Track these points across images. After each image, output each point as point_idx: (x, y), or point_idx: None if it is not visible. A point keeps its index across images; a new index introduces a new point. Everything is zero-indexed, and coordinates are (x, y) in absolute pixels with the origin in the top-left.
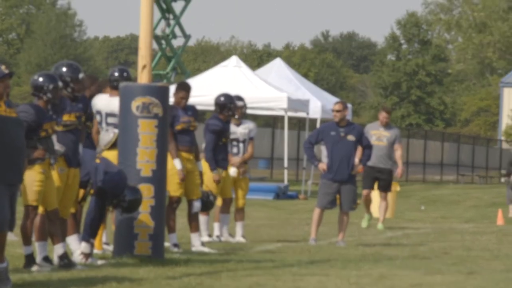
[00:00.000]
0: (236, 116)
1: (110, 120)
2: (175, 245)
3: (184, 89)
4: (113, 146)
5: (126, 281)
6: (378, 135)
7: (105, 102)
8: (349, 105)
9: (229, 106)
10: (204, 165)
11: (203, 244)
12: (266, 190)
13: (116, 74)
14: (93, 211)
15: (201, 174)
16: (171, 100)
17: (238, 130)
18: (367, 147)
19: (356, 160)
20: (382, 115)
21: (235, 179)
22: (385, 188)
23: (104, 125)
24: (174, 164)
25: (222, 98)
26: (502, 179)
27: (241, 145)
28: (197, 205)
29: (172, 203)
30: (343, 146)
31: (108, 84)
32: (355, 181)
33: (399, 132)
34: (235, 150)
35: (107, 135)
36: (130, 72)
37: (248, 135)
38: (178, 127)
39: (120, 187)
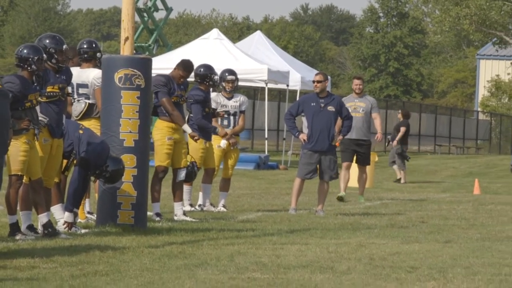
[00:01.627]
0: (228, 90)
1: (81, 91)
2: (158, 214)
3: (188, 70)
4: (84, 116)
5: (109, 250)
6: (353, 106)
7: (76, 74)
8: (329, 77)
9: (209, 76)
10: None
11: (185, 213)
12: (247, 160)
13: (85, 46)
14: (76, 181)
15: (187, 144)
16: (154, 72)
17: (229, 103)
18: (347, 118)
19: (336, 130)
20: (355, 83)
21: (226, 150)
22: (364, 162)
23: (75, 95)
24: (184, 129)
25: (201, 69)
26: (390, 144)
27: (231, 118)
28: (182, 173)
29: (158, 172)
30: (323, 117)
31: (79, 57)
32: (335, 151)
33: (374, 101)
34: (225, 122)
35: (78, 106)
36: (98, 44)
37: (239, 108)
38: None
39: (103, 158)
